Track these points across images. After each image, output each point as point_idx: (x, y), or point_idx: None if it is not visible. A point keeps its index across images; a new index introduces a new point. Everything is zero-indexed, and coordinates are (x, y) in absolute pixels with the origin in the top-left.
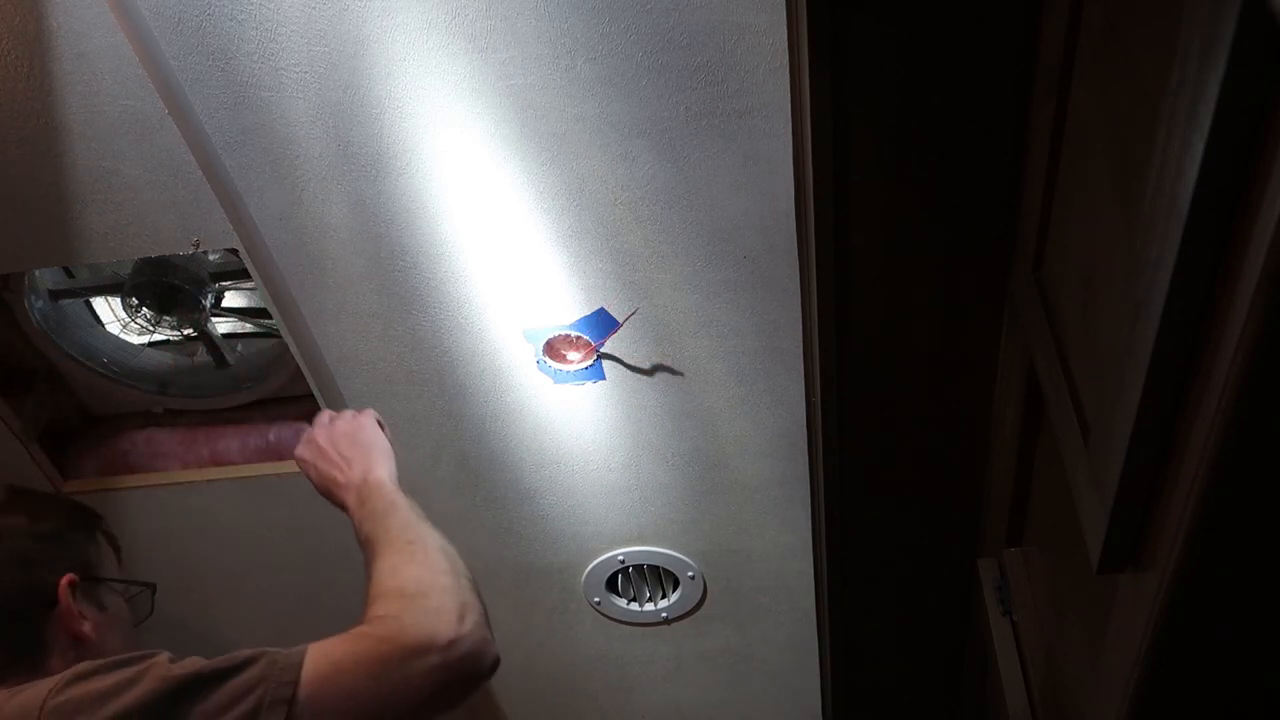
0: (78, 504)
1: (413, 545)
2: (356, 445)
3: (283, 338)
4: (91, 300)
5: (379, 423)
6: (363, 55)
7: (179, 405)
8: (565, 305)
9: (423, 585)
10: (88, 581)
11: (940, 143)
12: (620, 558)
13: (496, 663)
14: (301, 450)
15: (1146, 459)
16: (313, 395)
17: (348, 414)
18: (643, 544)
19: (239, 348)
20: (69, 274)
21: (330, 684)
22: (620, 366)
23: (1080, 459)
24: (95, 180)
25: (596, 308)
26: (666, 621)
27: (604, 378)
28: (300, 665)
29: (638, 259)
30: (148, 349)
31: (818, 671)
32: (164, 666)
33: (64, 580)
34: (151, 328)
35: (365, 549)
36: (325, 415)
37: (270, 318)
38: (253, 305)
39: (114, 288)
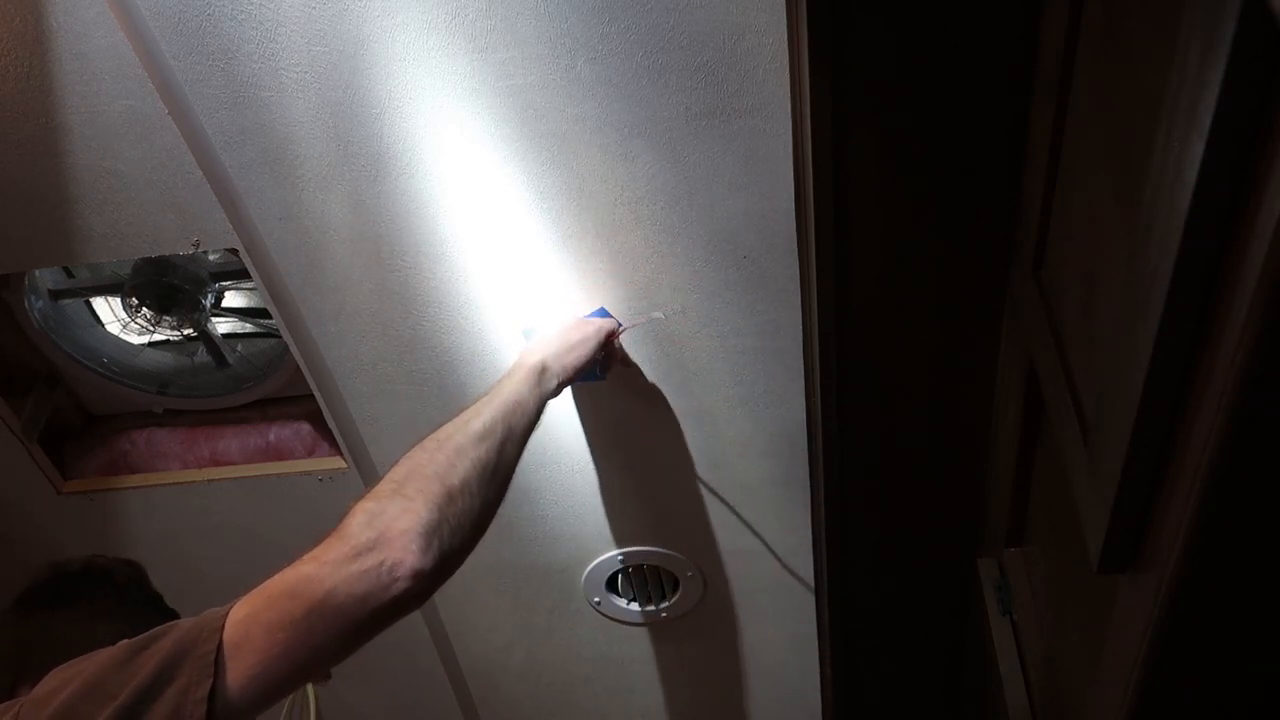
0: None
1: (438, 438)
2: (548, 337)
3: (283, 338)
4: (91, 300)
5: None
6: (363, 55)
7: (179, 405)
8: (565, 305)
9: (390, 485)
10: None
11: (940, 143)
12: (620, 558)
13: (418, 576)
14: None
15: (1146, 459)
16: (313, 395)
17: (570, 318)
18: (643, 544)
19: (239, 348)
20: (69, 274)
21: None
22: (620, 366)
23: (1080, 459)
24: (95, 180)
25: (597, 308)
26: (666, 621)
27: (603, 378)
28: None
29: (638, 259)
30: (148, 349)
31: (818, 671)
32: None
33: None
34: (151, 328)
35: None
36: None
37: (270, 318)
38: (253, 305)
39: (114, 288)
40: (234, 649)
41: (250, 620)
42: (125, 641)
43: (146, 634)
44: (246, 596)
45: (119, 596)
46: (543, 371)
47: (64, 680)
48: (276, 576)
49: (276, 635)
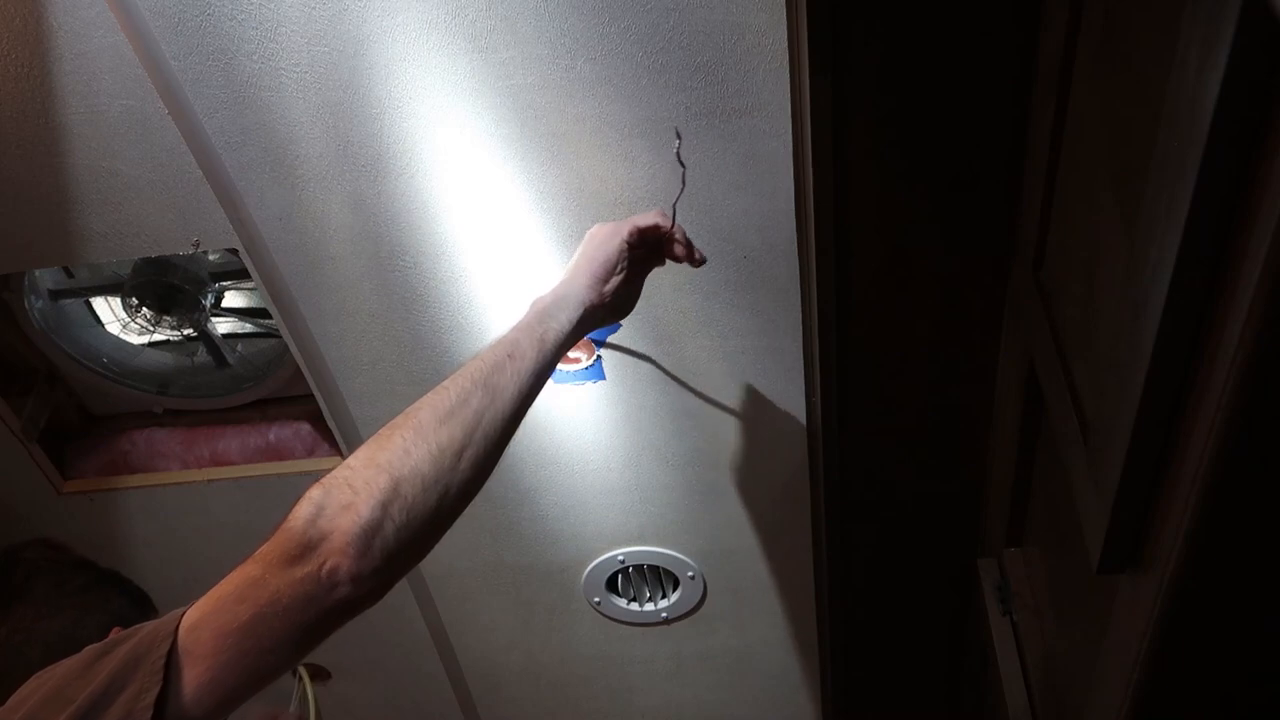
0: (139, 588)
1: (408, 412)
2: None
3: (283, 338)
4: (91, 300)
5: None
6: (363, 55)
7: (179, 405)
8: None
9: (341, 476)
10: None
11: (940, 143)
12: (620, 558)
13: (357, 580)
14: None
15: (1146, 459)
16: (313, 395)
17: (608, 229)
18: (643, 544)
19: (239, 348)
20: (69, 274)
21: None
22: (621, 367)
23: (1080, 459)
24: (95, 180)
25: None
26: (666, 621)
27: (604, 378)
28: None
29: None
30: (148, 349)
31: (818, 671)
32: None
33: (112, 633)
34: (151, 328)
35: None
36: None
37: (270, 318)
38: (253, 305)
39: (114, 288)
40: (185, 654)
41: (200, 625)
42: (90, 646)
43: (110, 639)
44: (201, 599)
45: (57, 586)
46: (551, 305)
47: (34, 688)
48: (227, 578)
49: (224, 640)
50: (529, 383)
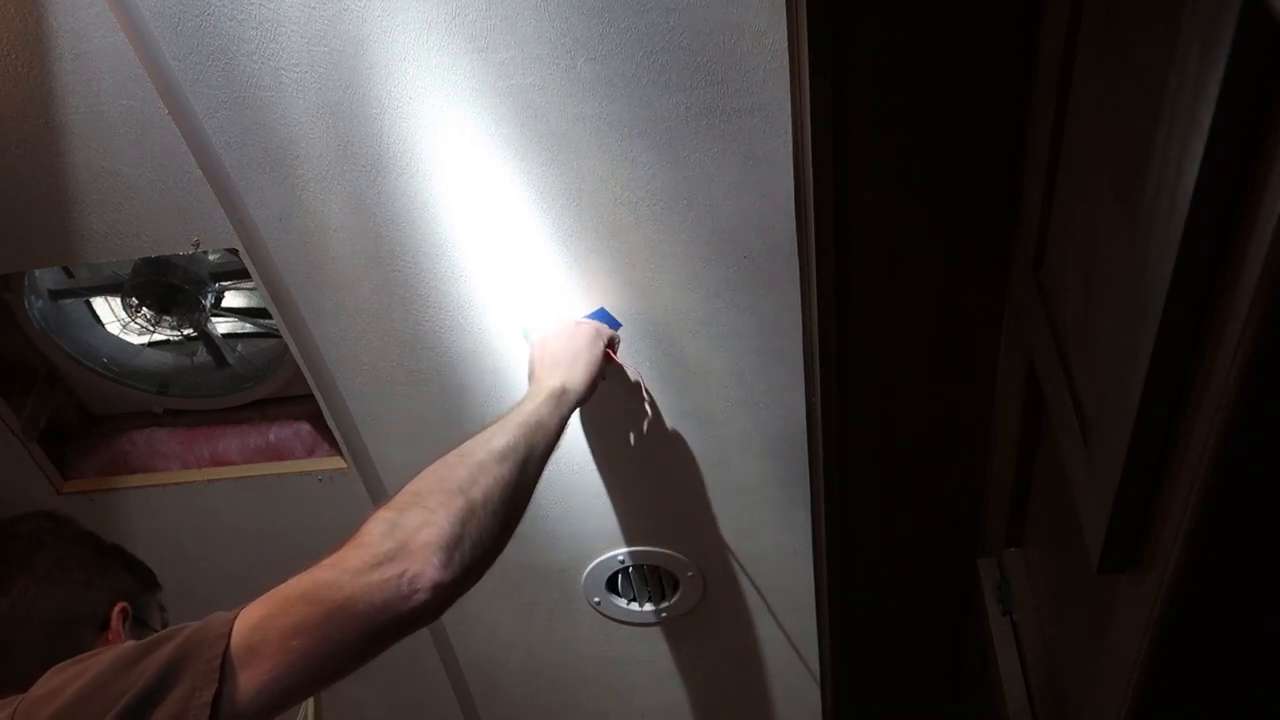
0: (144, 564)
1: (460, 452)
2: (558, 355)
3: (283, 338)
4: (91, 300)
5: (611, 342)
6: (363, 55)
7: (179, 405)
8: (565, 305)
9: (411, 496)
10: (136, 620)
11: (940, 143)
12: (620, 558)
13: (437, 589)
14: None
15: (1146, 459)
16: (313, 395)
17: (569, 326)
18: (643, 544)
19: (239, 348)
20: (69, 274)
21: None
22: (620, 367)
23: (1080, 459)
24: (95, 180)
25: (597, 308)
26: (667, 621)
27: (604, 378)
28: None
29: (638, 259)
30: (148, 349)
31: (818, 671)
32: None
33: (117, 607)
34: (151, 328)
35: None
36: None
37: (270, 318)
38: (253, 305)
39: (114, 288)
40: (247, 653)
41: (265, 624)
42: (131, 643)
43: (152, 637)
44: (258, 601)
45: (59, 561)
46: (562, 394)
47: (66, 680)
48: (291, 581)
49: (292, 641)
50: (549, 451)
